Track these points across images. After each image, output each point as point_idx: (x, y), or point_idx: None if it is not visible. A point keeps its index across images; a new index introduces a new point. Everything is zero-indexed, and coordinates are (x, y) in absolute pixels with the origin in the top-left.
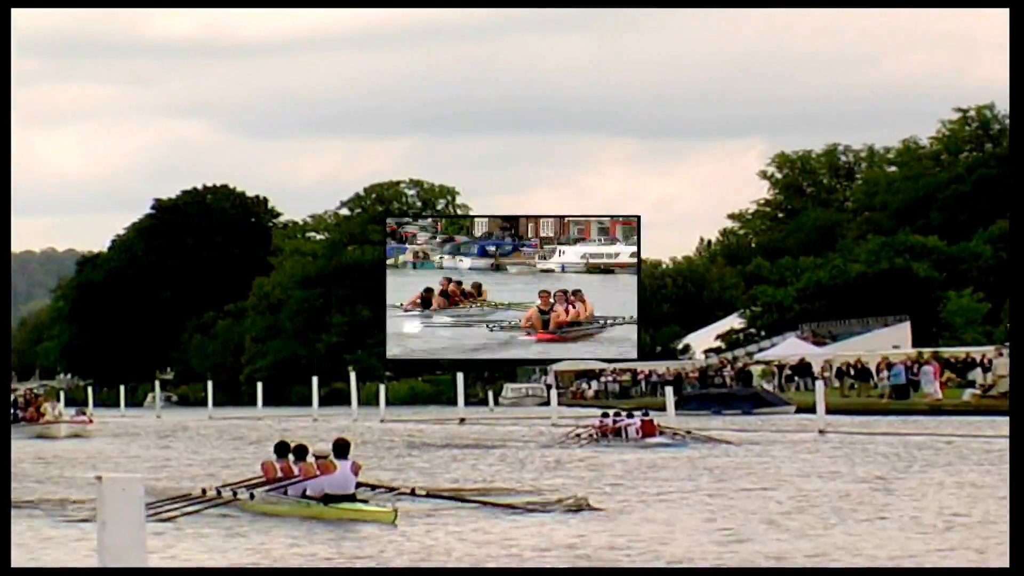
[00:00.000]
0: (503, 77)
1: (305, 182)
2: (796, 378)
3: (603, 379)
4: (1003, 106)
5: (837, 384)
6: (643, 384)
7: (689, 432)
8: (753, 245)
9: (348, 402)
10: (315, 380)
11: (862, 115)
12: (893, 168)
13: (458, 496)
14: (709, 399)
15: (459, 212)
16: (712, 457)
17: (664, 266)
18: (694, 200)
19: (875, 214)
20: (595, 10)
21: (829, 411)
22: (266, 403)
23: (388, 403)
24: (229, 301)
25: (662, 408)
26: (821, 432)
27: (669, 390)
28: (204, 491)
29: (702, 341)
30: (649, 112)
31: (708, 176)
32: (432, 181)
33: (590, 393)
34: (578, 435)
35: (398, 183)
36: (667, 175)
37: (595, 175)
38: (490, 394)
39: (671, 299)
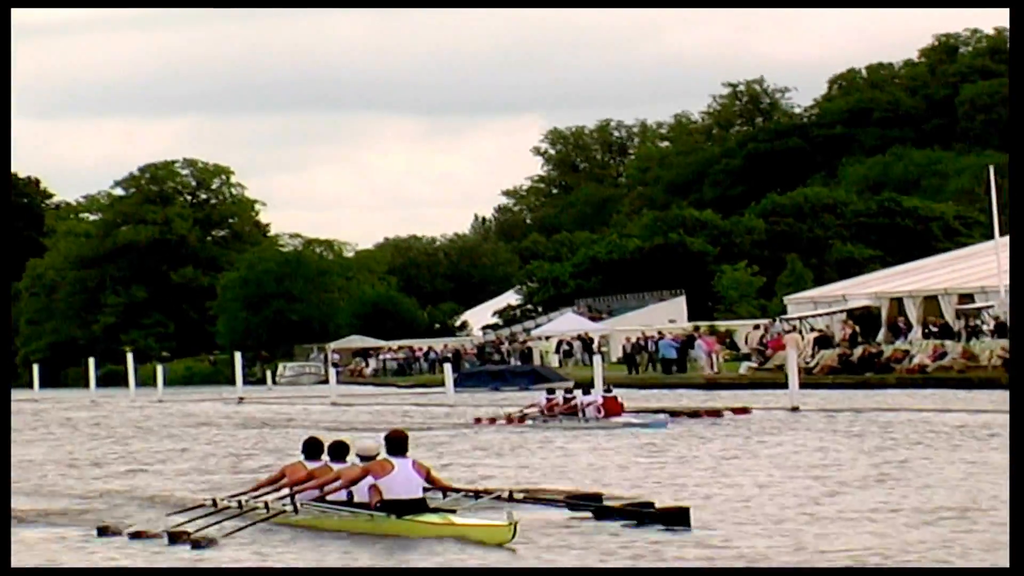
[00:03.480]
0: (283, 55)
1: (81, 163)
2: (575, 353)
3: (381, 356)
4: (772, 80)
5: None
6: (422, 361)
7: (657, 411)
8: (528, 221)
9: (125, 383)
10: (92, 361)
11: (634, 91)
12: (666, 143)
13: (568, 501)
14: (488, 375)
15: (234, 192)
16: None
17: (439, 243)
18: (472, 177)
19: (648, 189)
20: None
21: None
22: (43, 385)
23: (166, 383)
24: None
25: (441, 385)
26: None
27: (448, 367)
28: (215, 501)
29: (479, 317)
30: (431, 89)
31: (487, 153)
32: (207, 161)
33: (368, 371)
34: (524, 415)
35: (172, 163)
36: (450, 152)
37: (377, 153)
38: (268, 373)
39: (447, 276)
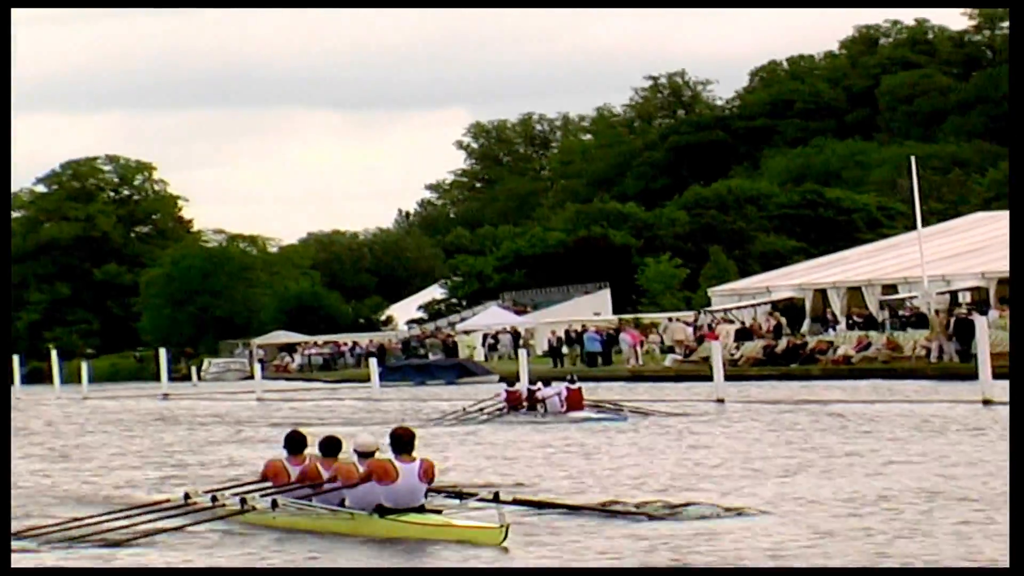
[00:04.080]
0: (204, 51)
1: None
2: (500, 347)
3: (306, 352)
4: (694, 73)
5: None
6: (347, 356)
7: (617, 405)
8: (451, 215)
9: (50, 380)
10: (16, 359)
11: (556, 83)
12: (588, 136)
13: (561, 503)
14: (413, 370)
15: (156, 188)
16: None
17: (362, 237)
18: (395, 171)
19: (571, 182)
20: None
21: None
22: None
23: (91, 380)
24: None
25: (366, 379)
26: None
27: (373, 361)
28: (187, 496)
29: (404, 312)
30: (353, 84)
31: (409, 147)
32: (130, 157)
33: (293, 366)
34: (481, 409)
35: (94, 159)
36: (372, 147)
37: (300, 148)
38: (193, 369)
39: (371, 270)
